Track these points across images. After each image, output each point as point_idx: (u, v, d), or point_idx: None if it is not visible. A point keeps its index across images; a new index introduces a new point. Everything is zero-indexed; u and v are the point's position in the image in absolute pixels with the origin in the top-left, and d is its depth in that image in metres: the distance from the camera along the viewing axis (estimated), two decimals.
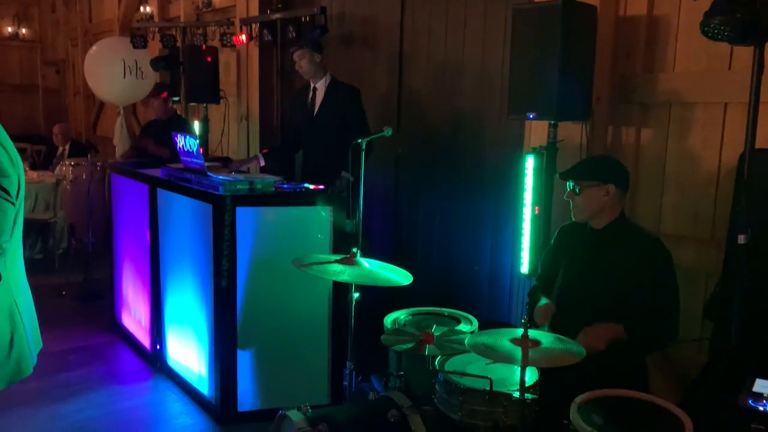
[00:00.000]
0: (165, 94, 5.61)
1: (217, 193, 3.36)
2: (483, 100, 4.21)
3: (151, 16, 7.35)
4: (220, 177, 3.61)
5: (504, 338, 2.10)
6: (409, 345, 2.42)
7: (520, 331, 2.12)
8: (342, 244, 3.40)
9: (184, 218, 3.71)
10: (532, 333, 2.13)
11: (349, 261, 2.73)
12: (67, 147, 7.42)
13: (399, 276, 2.68)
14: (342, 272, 2.62)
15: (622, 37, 3.22)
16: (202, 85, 5.95)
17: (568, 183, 2.66)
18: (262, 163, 4.44)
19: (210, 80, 5.95)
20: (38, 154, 9.28)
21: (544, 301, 2.67)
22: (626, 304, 2.46)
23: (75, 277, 5.83)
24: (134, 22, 7.28)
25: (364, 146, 3.37)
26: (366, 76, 5.01)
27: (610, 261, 2.55)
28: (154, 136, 5.37)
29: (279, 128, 5.99)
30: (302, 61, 4.33)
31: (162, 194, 3.92)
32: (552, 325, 2.56)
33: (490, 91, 4.15)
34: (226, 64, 6.36)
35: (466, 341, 2.16)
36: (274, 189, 3.57)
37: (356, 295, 2.79)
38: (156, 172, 4.19)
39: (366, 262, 2.75)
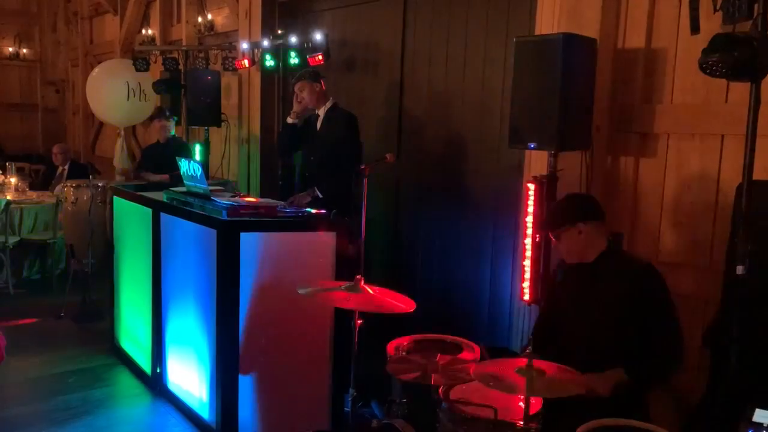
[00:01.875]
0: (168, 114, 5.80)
1: (220, 218, 3.39)
2: (482, 128, 4.27)
3: (152, 39, 7.44)
4: (224, 201, 3.65)
5: (509, 368, 2.13)
6: (415, 374, 2.44)
7: (523, 360, 2.15)
8: (345, 269, 3.43)
9: (187, 242, 3.73)
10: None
11: (354, 287, 2.76)
12: (66, 167, 7.44)
13: (403, 303, 2.71)
14: (347, 299, 2.65)
15: (621, 69, 3.29)
16: (203, 108, 6.01)
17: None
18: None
19: (212, 103, 6.02)
20: (37, 173, 9.30)
21: None
22: (626, 336, 2.50)
23: (73, 298, 5.83)
24: (136, 45, 7.36)
25: (367, 172, 3.42)
26: (367, 102, 5.09)
27: (604, 292, 2.60)
28: (155, 159, 5.44)
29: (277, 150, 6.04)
30: (303, 92, 4.41)
31: (165, 218, 3.95)
32: (554, 358, 2.59)
33: (490, 119, 4.22)
34: (228, 87, 6.43)
35: (471, 371, 2.19)
36: (277, 214, 3.62)
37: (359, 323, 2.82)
38: (159, 195, 4.23)
39: (370, 289, 2.77)
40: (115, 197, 4.68)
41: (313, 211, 3.81)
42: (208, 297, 3.49)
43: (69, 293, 5.94)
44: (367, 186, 3.45)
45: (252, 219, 3.43)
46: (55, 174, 7.58)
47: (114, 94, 7.04)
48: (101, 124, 9.34)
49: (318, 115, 4.50)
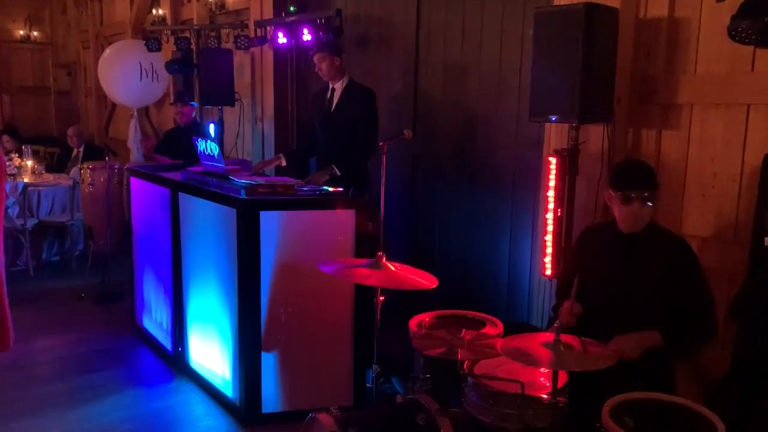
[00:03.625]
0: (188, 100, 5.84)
1: (239, 197, 3.39)
2: (500, 101, 4.23)
3: (163, 19, 7.39)
4: (242, 180, 3.65)
5: (535, 342, 2.12)
6: (441, 350, 2.44)
7: (549, 335, 2.14)
8: (365, 247, 3.42)
9: (206, 221, 3.74)
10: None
11: (376, 264, 2.76)
12: (81, 149, 7.46)
13: (425, 279, 2.70)
14: (368, 276, 2.64)
15: (643, 39, 3.23)
16: (216, 87, 5.98)
17: (629, 194, 2.59)
18: (284, 164, 4.48)
19: (225, 83, 5.99)
20: (52, 156, 9.33)
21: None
22: (661, 308, 2.48)
23: (93, 280, 5.89)
24: (147, 25, 7.32)
25: (386, 149, 3.40)
26: (381, 78, 5.04)
27: (643, 265, 2.57)
28: (174, 143, 5.46)
29: (294, 130, 6.03)
30: (322, 63, 4.38)
31: (183, 198, 3.95)
32: (577, 328, 2.58)
33: (508, 92, 4.16)
34: (240, 66, 6.39)
35: (498, 346, 2.18)
36: (295, 192, 3.61)
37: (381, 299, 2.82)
38: (176, 175, 4.23)
39: (391, 266, 2.77)
40: (132, 178, 4.69)
41: (331, 189, 3.80)
42: (229, 276, 3.50)
43: (89, 275, 6.01)
44: (385, 163, 3.43)
45: (271, 198, 3.43)
46: (70, 156, 7.61)
47: (126, 74, 7.03)
48: (114, 105, 9.33)
49: (333, 90, 4.47)
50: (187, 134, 5.82)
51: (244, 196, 3.37)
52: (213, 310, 3.74)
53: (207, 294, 3.79)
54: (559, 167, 3.18)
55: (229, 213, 3.42)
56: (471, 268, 4.44)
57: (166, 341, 4.34)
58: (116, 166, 5.66)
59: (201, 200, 3.73)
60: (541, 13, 3.08)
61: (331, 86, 4.48)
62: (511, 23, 4.10)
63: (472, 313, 3.16)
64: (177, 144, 5.88)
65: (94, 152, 7.35)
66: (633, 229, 2.63)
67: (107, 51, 7.36)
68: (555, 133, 3.57)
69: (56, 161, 8.86)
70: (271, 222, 3.34)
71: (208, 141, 3.84)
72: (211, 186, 3.73)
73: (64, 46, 11.10)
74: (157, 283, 4.43)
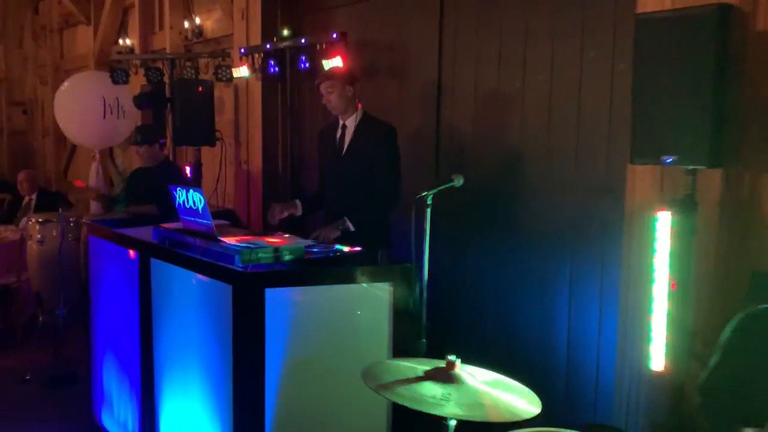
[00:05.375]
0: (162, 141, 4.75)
1: (236, 268, 2.49)
2: (551, 138, 3.44)
3: (131, 50, 6.53)
4: (235, 244, 2.76)
5: None
6: None
7: None
8: (405, 335, 2.55)
9: (188, 298, 2.83)
10: None
11: (445, 374, 1.88)
12: (34, 197, 6.51)
13: (522, 398, 1.83)
14: (444, 399, 1.76)
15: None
16: (193, 124, 5.12)
17: None
18: (299, 212, 3.54)
19: (203, 119, 5.13)
20: (1, 203, 8.29)
21: None
22: None
23: (42, 356, 4.87)
24: (113, 55, 6.45)
25: (429, 200, 2.57)
26: (393, 112, 4.18)
27: None
28: (142, 189, 4.50)
29: (288, 173, 5.15)
30: (331, 95, 3.53)
31: (157, 265, 3.04)
32: None
33: (562, 126, 3.39)
34: (220, 100, 5.56)
35: None
36: (305, 256, 2.74)
37: (453, 423, 1.92)
38: (146, 234, 3.32)
39: (469, 374, 1.90)
40: (90, 236, 3.75)
41: (346, 248, 2.94)
42: (220, 375, 2.58)
43: (37, 350, 4.98)
44: (429, 219, 2.60)
45: (279, 269, 2.55)
46: (21, 204, 6.62)
47: (87, 111, 6.11)
48: (74, 147, 8.42)
49: (345, 127, 3.62)
50: (158, 177, 4.82)
51: (241, 267, 2.48)
52: (197, 418, 2.79)
53: (188, 396, 2.84)
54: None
55: (222, 290, 2.52)
56: (518, 346, 3.57)
57: None
58: (72, 219, 4.69)
59: (181, 270, 2.82)
60: (648, 20, 2.31)
61: (341, 122, 3.64)
62: (566, 42, 3.34)
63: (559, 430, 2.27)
64: (144, 191, 4.86)
65: (49, 200, 6.39)
66: None
67: (65, 84, 6.44)
68: (643, 177, 2.77)
69: (7, 209, 7.83)
70: (280, 303, 2.45)
71: (190, 191, 2.95)
72: (194, 251, 2.83)
73: (20, 82, 10.17)
74: (121, 372, 3.46)
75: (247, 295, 2.41)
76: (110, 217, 4.08)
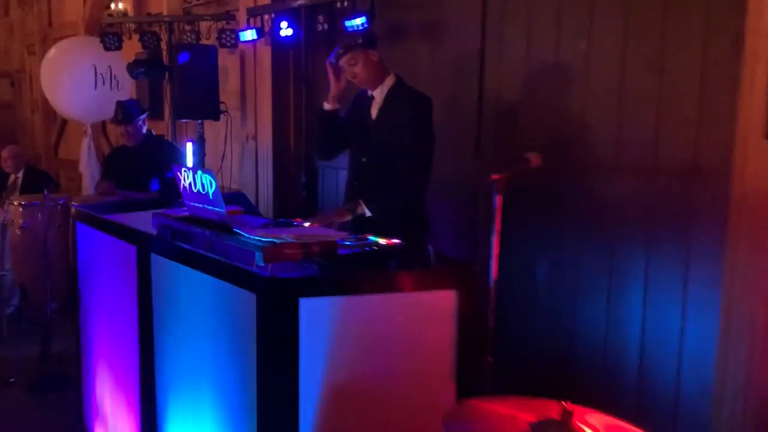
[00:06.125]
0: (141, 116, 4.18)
1: (259, 272, 1.97)
2: (623, 112, 2.92)
3: (124, 14, 5.93)
4: (254, 237, 2.24)
5: None
6: None
7: None
8: (471, 356, 2.04)
9: (198, 304, 2.31)
10: None
11: (561, 427, 1.38)
12: (20, 175, 5.93)
13: None
14: None
15: None
16: (195, 95, 4.58)
17: None
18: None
19: (207, 89, 4.58)
20: None
21: None
22: None
23: (28, 352, 4.37)
24: (105, 19, 5.86)
25: (501, 186, 2.05)
26: (425, 79, 3.64)
27: None
28: (123, 169, 3.96)
29: (299, 151, 4.61)
30: (356, 67, 2.98)
31: (158, 262, 2.51)
32: None
33: (638, 98, 2.86)
34: (225, 69, 5.00)
35: None
36: (337, 251, 2.23)
37: None
38: (145, 221, 2.80)
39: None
40: (78, 224, 3.22)
41: (382, 240, 2.42)
42: (240, 399, 2.08)
43: (23, 347, 4.47)
44: (499, 207, 2.08)
45: (312, 273, 2.03)
46: (6, 184, 6.05)
47: (77, 81, 5.54)
48: (65, 121, 7.88)
49: (372, 98, 3.08)
50: (140, 155, 4.23)
51: (262, 271, 1.96)
52: None
53: (201, 418, 2.34)
54: None
55: (242, 298, 2.00)
56: (576, 349, 3.08)
57: None
58: (60, 202, 4.15)
59: (189, 270, 2.29)
60: None
61: (370, 93, 3.10)
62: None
63: None
64: (126, 171, 4.18)
65: (37, 178, 5.84)
66: None
67: (52, 51, 5.86)
68: (758, 158, 2.25)
69: None
70: (317, 315, 1.93)
71: (199, 171, 2.42)
72: (203, 244, 2.32)
73: (6, 51, 9.60)
74: (116, 384, 2.96)
75: (275, 307, 1.90)
76: (102, 200, 3.53)
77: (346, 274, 2.02)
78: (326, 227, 2.76)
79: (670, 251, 2.76)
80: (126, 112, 4.16)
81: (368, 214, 2.88)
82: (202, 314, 2.29)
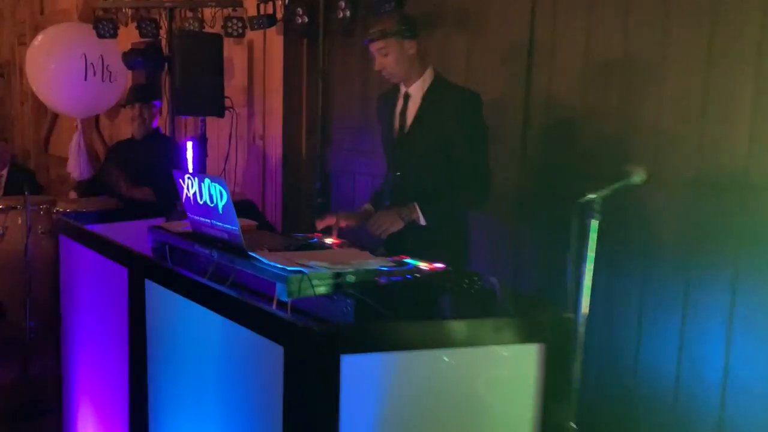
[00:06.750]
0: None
1: (291, 321, 1.52)
2: (705, 118, 2.48)
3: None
4: (274, 263, 1.80)
5: None
6: None
7: None
8: (556, 418, 1.59)
9: (206, 345, 1.86)
10: None
11: None
12: (4, 173, 5.47)
13: None
14: None
15: None
16: (198, 89, 4.14)
17: None
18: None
19: (210, 82, 4.14)
20: None
21: None
22: None
23: (6, 376, 3.91)
24: (99, 4, 5.42)
25: (597, 207, 1.61)
26: (461, 78, 3.20)
27: None
28: (125, 165, 3.59)
29: (311, 153, 4.17)
30: (387, 57, 2.54)
31: (153, 290, 2.05)
32: None
33: (727, 105, 2.43)
34: (230, 61, 4.56)
35: None
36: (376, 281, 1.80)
37: None
38: (140, 233, 2.37)
39: None
40: (61, 236, 2.76)
41: (424, 265, 1.99)
42: None
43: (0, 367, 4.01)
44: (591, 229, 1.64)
45: (352, 322, 1.59)
46: None
47: (66, 71, 5.09)
48: (56, 115, 7.46)
49: (407, 96, 2.64)
50: (144, 151, 3.94)
51: (285, 315, 1.52)
52: None
53: None
54: None
55: (265, 348, 1.55)
56: (652, 383, 2.64)
57: None
58: (43, 206, 3.69)
59: (194, 305, 1.84)
60: None
61: (403, 90, 2.65)
62: None
63: None
64: (128, 168, 3.93)
65: (22, 178, 5.38)
66: None
67: (38, 38, 5.40)
68: None
69: None
70: (361, 375, 1.48)
71: (207, 180, 1.98)
72: (213, 272, 1.88)
73: None
74: (103, 421, 2.50)
75: (311, 365, 1.44)
76: (89, 207, 3.08)
77: (401, 325, 1.55)
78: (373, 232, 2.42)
79: (714, 272, 2.38)
80: (144, 89, 4.09)
81: (423, 222, 2.45)
82: (209, 357, 1.83)
